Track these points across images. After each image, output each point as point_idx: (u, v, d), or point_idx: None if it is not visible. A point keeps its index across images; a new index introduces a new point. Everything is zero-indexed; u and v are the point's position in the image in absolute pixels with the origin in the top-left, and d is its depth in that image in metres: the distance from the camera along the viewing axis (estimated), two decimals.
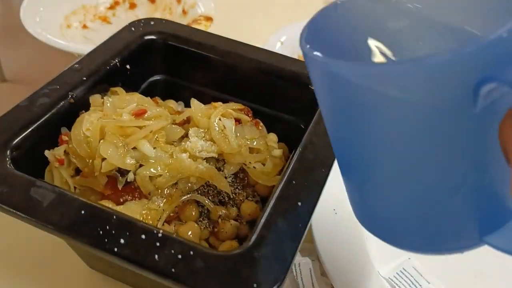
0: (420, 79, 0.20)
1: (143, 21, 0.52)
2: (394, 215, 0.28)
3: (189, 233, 0.39)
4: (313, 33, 0.27)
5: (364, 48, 0.31)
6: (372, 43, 0.31)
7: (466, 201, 0.25)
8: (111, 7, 0.81)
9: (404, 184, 0.26)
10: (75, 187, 0.41)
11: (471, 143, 0.23)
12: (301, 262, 0.48)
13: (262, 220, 0.34)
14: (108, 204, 0.40)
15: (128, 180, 0.39)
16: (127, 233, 0.32)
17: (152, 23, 0.52)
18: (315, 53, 0.25)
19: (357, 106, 0.25)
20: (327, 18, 0.29)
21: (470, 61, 0.19)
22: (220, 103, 0.46)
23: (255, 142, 0.45)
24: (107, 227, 0.32)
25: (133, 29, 0.51)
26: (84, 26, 0.77)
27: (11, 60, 1.96)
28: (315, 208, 0.36)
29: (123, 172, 0.39)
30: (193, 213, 0.41)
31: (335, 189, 0.39)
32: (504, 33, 0.19)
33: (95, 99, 0.44)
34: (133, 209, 0.39)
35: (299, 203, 0.36)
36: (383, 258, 0.50)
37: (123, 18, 0.81)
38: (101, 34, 0.77)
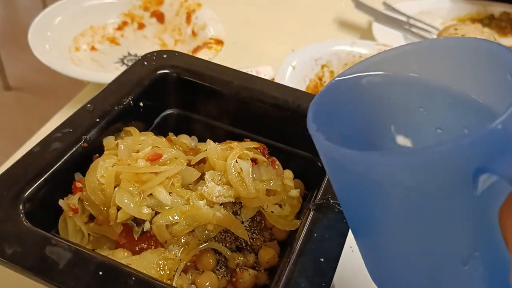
0: (415, 169, 0.21)
1: (155, 54, 0.51)
2: (405, 280, 0.29)
3: (207, 284, 0.38)
4: (320, 107, 0.28)
5: (371, 122, 0.32)
6: (377, 115, 0.32)
7: (475, 270, 0.25)
8: (119, 28, 0.80)
9: (412, 255, 0.27)
10: (89, 234, 0.40)
11: (475, 222, 0.23)
12: None
13: (283, 279, 0.33)
14: (123, 253, 0.39)
15: (144, 229, 0.38)
16: None
17: (164, 56, 0.51)
18: (317, 132, 0.26)
19: (357, 187, 0.26)
20: (333, 93, 0.29)
21: (465, 152, 0.20)
22: (236, 143, 0.45)
23: (272, 183, 0.44)
24: None
25: (145, 63, 0.50)
26: (93, 48, 0.76)
27: (15, 68, 1.96)
28: (338, 263, 0.35)
29: (139, 221, 0.38)
30: (211, 262, 0.40)
31: None
32: (499, 125, 0.19)
33: (108, 141, 0.43)
34: (149, 259, 0.38)
35: (322, 259, 0.35)
36: None
37: (131, 39, 0.80)
38: (110, 56, 0.76)
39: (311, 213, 0.38)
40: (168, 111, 0.52)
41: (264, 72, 0.73)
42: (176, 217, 0.39)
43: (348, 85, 0.30)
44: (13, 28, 2.23)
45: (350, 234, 0.43)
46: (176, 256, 0.39)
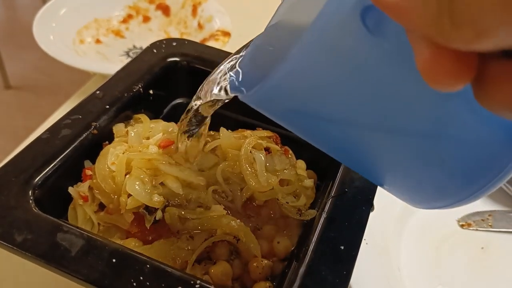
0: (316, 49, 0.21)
1: (165, 42, 0.50)
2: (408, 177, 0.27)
3: (221, 274, 0.37)
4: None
5: None
6: None
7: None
8: (124, 21, 0.79)
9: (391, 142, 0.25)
10: (98, 223, 0.39)
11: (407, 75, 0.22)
12: None
13: (303, 267, 0.32)
14: (134, 242, 0.37)
15: (157, 218, 0.37)
16: (163, 285, 0.29)
17: (174, 44, 0.50)
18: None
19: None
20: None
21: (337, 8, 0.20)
22: (249, 131, 0.44)
23: (286, 172, 0.43)
24: (141, 278, 0.30)
25: (154, 50, 0.49)
26: (97, 41, 0.75)
27: (16, 66, 1.95)
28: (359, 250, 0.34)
29: (150, 210, 0.37)
30: (224, 252, 0.38)
31: None
32: None
33: (118, 129, 0.42)
34: (161, 249, 0.37)
35: (342, 247, 0.33)
36: None
37: (136, 32, 0.78)
38: (115, 49, 0.75)
39: (329, 201, 0.37)
40: (178, 100, 0.51)
41: None
42: (189, 215, 0.38)
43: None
44: (13, 27, 2.22)
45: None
46: (189, 248, 0.37)
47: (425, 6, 0.14)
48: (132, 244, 0.37)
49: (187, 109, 0.36)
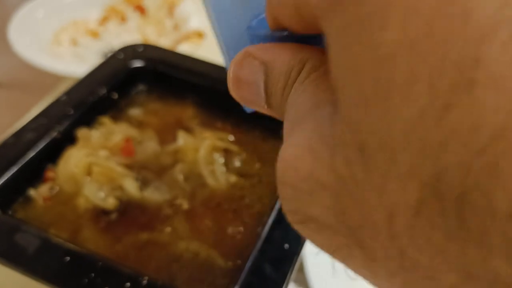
0: None
1: (132, 46, 0.52)
2: None
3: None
4: None
5: None
6: None
7: None
8: (102, 22, 0.80)
9: None
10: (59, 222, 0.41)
11: None
12: None
13: (248, 264, 0.34)
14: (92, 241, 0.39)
15: (112, 218, 0.39)
16: (112, 281, 0.32)
17: (140, 49, 0.52)
18: None
19: None
20: None
21: None
22: (208, 133, 0.46)
23: (245, 169, 0.45)
24: (92, 275, 0.32)
25: (121, 55, 0.51)
26: (75, 42, 0.76)
27: (5, 64, 1.95)
28: (302, 249, 0.36)
29: (106, 211, 0.39)
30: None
31: None
32: None
33: (82, 132, 0.44)
34: None
35: (286, 245, 0.35)
36: None
37: (113, 32, 0.80)
38: (92, 50, 0.76)
39: (279, 201, 0.39)
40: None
41: None
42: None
43: None
44: (2, 24, 2.22)
45: None
46: None
47: None
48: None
49: None
